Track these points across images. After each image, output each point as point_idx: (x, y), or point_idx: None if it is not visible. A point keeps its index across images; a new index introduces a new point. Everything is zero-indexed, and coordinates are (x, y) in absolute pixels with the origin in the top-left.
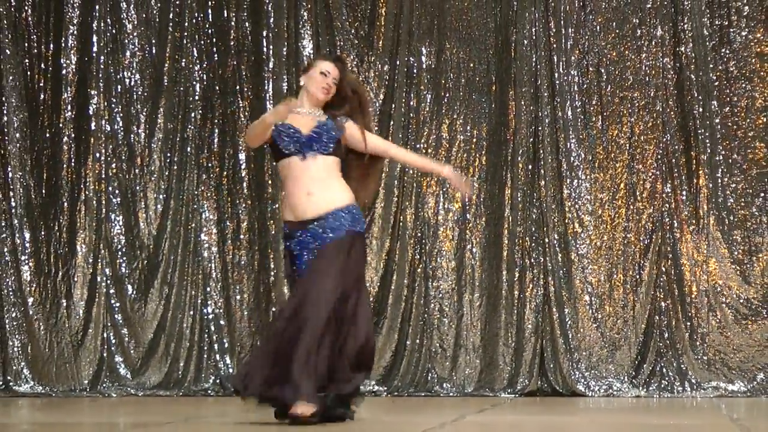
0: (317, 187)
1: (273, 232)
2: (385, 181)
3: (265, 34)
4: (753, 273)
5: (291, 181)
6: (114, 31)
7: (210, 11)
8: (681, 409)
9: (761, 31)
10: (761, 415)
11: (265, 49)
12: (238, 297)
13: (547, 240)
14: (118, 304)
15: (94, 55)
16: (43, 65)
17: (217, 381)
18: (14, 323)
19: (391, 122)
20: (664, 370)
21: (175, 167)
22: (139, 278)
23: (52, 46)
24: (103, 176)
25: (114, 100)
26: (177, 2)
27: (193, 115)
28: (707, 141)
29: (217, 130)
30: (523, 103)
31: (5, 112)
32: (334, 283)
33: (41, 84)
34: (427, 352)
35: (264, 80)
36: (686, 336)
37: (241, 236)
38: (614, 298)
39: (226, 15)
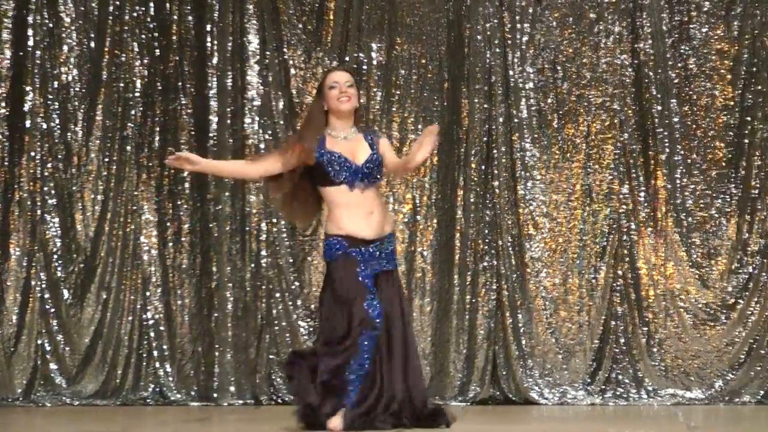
0: (376, 211)
1: (216, 235)
2: None
3: (208, 28)
4: (712, 277)
5: (346, 207)
6: (51, 24)
7: (151, 4)
8: (637, 417)
9: (721, 27)
10: (719, 423)
11: (208, 44)
12: (179, 302)
13: (500, 243)
14: (53, 310)
15: (30, 49)
16: None
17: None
18: None
19: None
20: (620, 377)
21: (114, 167)
22: (75, 282)
23: None
24: (38, 176)
25: (50, 97)
26: None
27: (133, 112)
28: (666, 141)
29: (158, 128)
30: (476, 100)
31: None
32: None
33: None
34: None
35: (207, 76)
36: (643, 342)
37: (183, 239)
38: (569, 303)
39: (168, 8)
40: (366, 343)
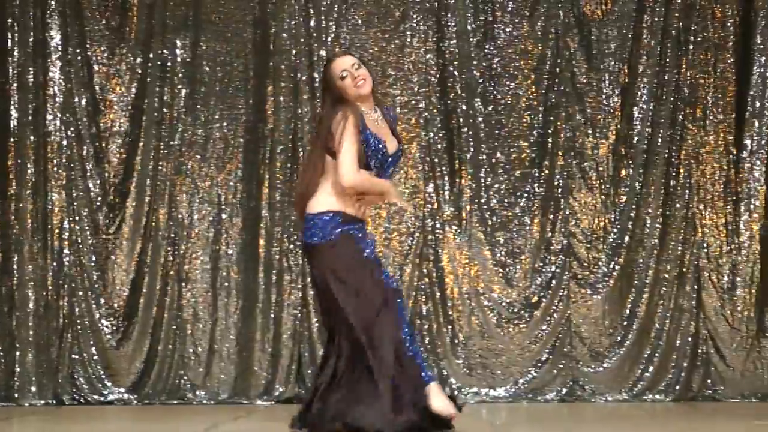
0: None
1: (17, 233)
2: (136, 179)
3: (9, 22)
4: (515, 276)
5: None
6: None
7: None
8: None
9: (525, 27)
10: (522, 420)
11: (9, 40)
12: None
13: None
14: None
15: None
16: None
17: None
18: None
19: (144, 117)
20: None
21: None
22: None
23: None
24: None
25: None
26: None
27: None
28: (471, 140)
29: None
30: (282, 99)
31: None
32: None
33: None
34: (179, 358)
35: (7, 73)
36: (447, 340)
37: None
38: None
39: None
40: (403, 311)
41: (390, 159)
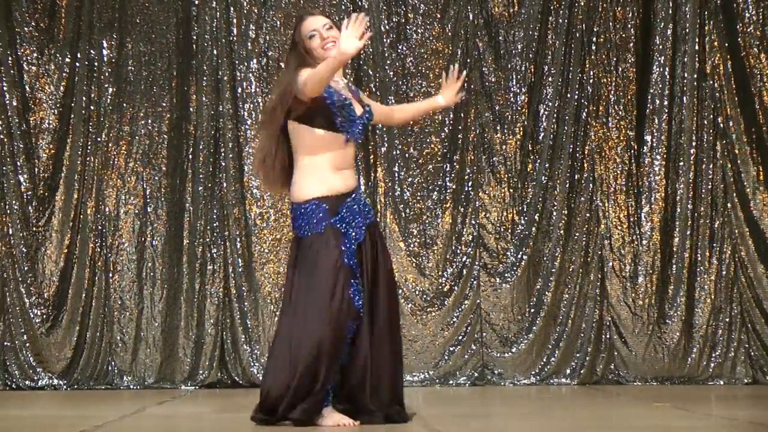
0: (352, 166)
1: None
2: (65, 174)
3: None
4: (428, 265)
5: (336, 152)
6: None
7: None
8: None
9: (437, 28)
10: (437, 403)
11: None
12: None
13: (227, 233)
14: None
15: None
16: None
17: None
18: None
19: (72, 115)
20: None
21: None
22: None
23: None
24: None
25: None
26: None
27: None
28: (385, 136)
29: None
30: (204, 97)
31: None
32: None
33: None
34: (107, 345)
35: None
36: None
37: None
38: None
39: None
40: (347, 334)
41: (358, 119)
